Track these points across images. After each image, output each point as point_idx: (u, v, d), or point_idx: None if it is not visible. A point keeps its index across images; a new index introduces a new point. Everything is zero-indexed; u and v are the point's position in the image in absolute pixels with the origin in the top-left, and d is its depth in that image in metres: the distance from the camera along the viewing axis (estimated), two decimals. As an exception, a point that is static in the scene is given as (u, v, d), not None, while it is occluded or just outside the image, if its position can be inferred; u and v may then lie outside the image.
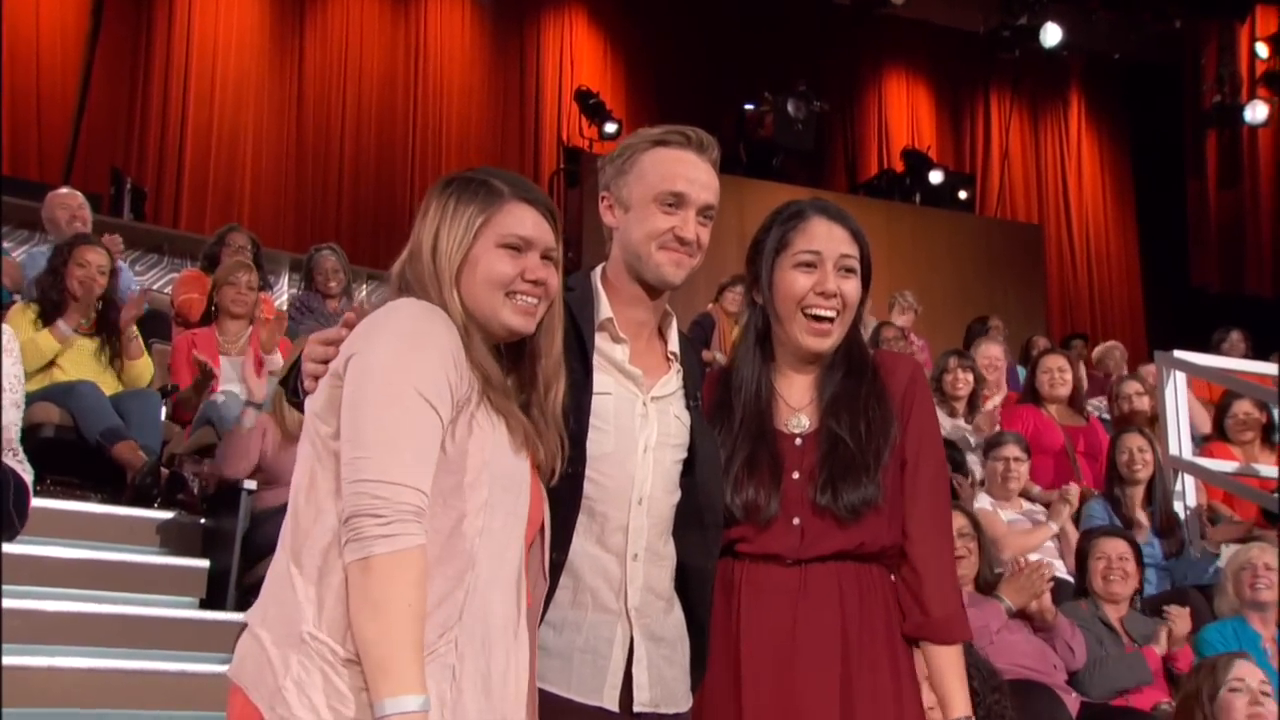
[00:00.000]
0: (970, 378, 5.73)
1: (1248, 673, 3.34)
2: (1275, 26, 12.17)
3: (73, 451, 4.63)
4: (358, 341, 1.65)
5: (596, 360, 1.94)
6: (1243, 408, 5.60)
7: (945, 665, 2.03)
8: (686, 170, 1.98)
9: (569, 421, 1.82)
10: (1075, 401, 5.69)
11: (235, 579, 4.14)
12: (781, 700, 1.94)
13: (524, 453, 1.72)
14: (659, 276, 1.97)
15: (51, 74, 9.68)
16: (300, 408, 1.79)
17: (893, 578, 2.06)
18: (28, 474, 2.92)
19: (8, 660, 3.21)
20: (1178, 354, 5.63)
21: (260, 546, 3.99)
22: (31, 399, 4.31)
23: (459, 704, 1.59)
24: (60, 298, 4.88)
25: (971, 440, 5.42)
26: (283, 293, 8.64)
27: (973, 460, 5.21)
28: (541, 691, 1.82)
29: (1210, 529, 5.14)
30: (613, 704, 1.88)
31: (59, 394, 4.69)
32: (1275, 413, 5.60)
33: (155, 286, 7.95)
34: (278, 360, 5.25)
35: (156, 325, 5.91)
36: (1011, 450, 4.81)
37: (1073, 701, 3.71)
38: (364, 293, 9.08)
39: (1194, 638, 4.13)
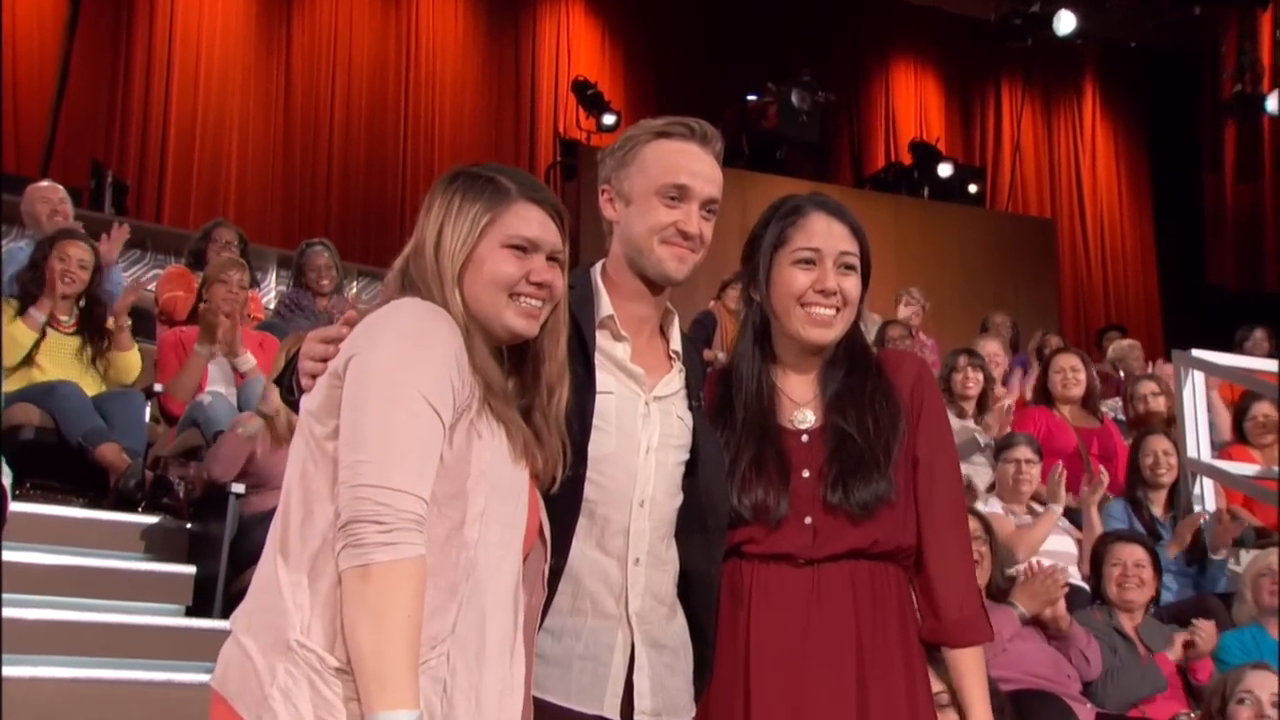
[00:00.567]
0: (980, 377, 5.69)
1: (1258, 684, 3.33)
2: (1298, 13, 12.11)
3: (54, 454, 4.60)
4: (359, 341, 1.65)
5: (598, 359, 1.94)
6: (1262, 410, 5.57)
7: (965, 669, 2.03)
8: (689, 163, 1.98)
9: (573, 426, 1.81)
10: (1089, 402, 5.67)
11: (222, 586, 4.12)
12: (792, 705, 1.92)
13: (523, 461, 1.72)
14: (661, 272, 1.97)
15: (29, 62, 9.64)
16: (295, 406, 1.78)
17: (911, 582, 2.05)
18: (7, 477, 2.90)
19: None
20: (1196, 353, 5.61)
21: (248, 552, 3.97)
22: (11, 400, 4.43)
23: (450, 718, 1.58)
24: (40, 292, 4.87)
25: (981, 441, 5.36)
26: (270, 290, 8.59)
27: (979, 461, 5.16)
28: (539, 701, 1.80)
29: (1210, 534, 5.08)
30: (614, 713, 1.86)
31: (39, 394, 4.66)
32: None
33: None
34: (250, 361, 5.19)
35: (140, 323, 5.79)
36: (1023, 452, 4.75)
37: (1087, 713, 3.66)
38: (354, 289, 9.04)
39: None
